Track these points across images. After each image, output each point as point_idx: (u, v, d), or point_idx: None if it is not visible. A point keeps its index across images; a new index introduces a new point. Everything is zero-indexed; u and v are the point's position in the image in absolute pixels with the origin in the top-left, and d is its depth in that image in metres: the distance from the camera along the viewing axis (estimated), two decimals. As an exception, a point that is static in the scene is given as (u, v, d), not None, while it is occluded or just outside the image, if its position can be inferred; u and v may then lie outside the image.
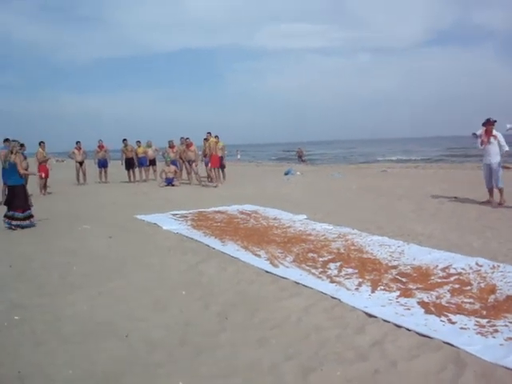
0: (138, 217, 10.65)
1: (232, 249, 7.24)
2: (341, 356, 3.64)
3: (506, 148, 10.63)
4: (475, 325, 4.08)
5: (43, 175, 16.59)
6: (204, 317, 4.61)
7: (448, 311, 4.40)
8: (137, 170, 21.49)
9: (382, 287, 5.18)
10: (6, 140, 12.95)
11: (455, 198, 11.93)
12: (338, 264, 6.14)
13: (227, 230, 8.69)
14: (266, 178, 22.20)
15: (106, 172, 21.46)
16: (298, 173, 23.36)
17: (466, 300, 4.67)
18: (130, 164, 21.29)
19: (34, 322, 4.57)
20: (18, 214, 9.66)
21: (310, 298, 4.97)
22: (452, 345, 3.70)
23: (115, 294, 5.35)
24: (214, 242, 7.75)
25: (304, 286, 5.36)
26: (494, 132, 10.61)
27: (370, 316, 4.41)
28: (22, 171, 9.92)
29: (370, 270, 5.81)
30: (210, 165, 18.51)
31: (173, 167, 19.10)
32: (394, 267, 5.91)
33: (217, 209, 11.52)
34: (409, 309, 4.52)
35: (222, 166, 19.45)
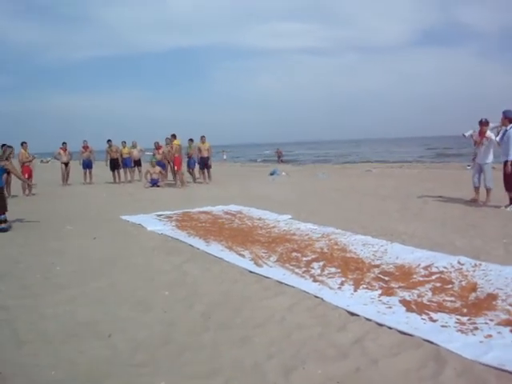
0: (123, 217, 10.62)
1: (216, 249, 7.25)
2: (322, 354, 3.67)
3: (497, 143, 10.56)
4: (456, 322, 4.12)
5: (26, 176, 16.51)
6: (188, 317, 4.61)
7: (429, 309, 4.44)
8: (122, 170, 21.43)
9: (365, 286, 5.21)
10: (3, 145, 12.91)
11: (439, 197, 12.06)
12: (322, 263, 6.17)
13: (212, 231, 8.69)
14: (252, 178, 22.26)
15: (90, 173, 21.35)
16: (284, 173, 23.46)
17: (447, 298, 4.72)
18: (114, 165, 21.22)
19: (16, 323, 4.53)
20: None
21: (293, 297, 4.99)
22: (432, 342, 3.74)
23: (99, 295, 5.33)
24: (198, 243, 7.74)
25: (287, 285, 5.38)
26: (488, 133, 10.69)
27: (352, 314, 4.44)
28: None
29: (353, 269, 5.85)
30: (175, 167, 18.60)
31: (158, 168, 19.07)
32: (377, 266, 5.96)
33: (202, 209, 11.52)
34: (390, 307, 4.55)
35: (208, 166, 19.50)
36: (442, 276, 5.44)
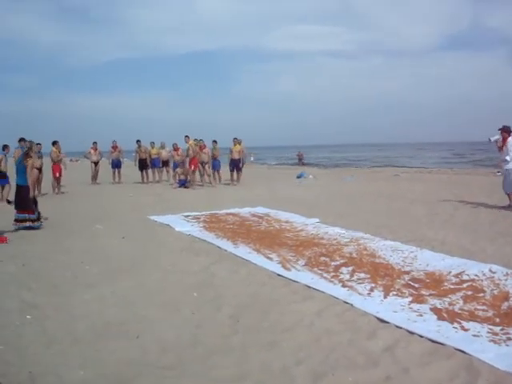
0: (151, 217, 10.70)
1: (244, 251, 7.24)
2: (352, 361, 3.63)
3: (507, 158, 10.77)
4: (488, 332, 4.04)
5: (57, 174, 16.76)
6: (215, 319, 4.61)
7: (461, 318, 4.37)
8: (150, 170, 21.62)
9: (395, 292, 5.15)
10: (22, 140, 13.04)
11: (470, 203, 11.86)
12: (351, 268, 6.11)
13: (239, 233, 8.70)
14: (279, 180, 22.23)
15: (119, 172, 21.57)
16: (311, 176, 23.35)
17: (478, 307, 4.64)
18: (143, 165, 21.43)
19: (46, 322, 4.58)
20: (29, 216, 9.57)
21: (321, 302, 4.95)
22: (464, 352, 3.67)
23: (127, 294, 5.37)
24: (225, 244, 7.75)
25: (316, 289, 5.35)
26: (509, 139, 10.72)
27: (382, 321, 4.39)
28: (29, 179, 9.72)
29: (383, 275, 5.78)
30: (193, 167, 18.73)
31: (187, 169, 19.01)
32: (407, 273, 5.88)
33: (229, 211, 11.54)
34: (421, 315, 4.49)
35: (238, 169, 19.63)
36: (474, 284, 5.34)
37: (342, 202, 13.12)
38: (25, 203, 9.55)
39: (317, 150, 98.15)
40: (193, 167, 18.55)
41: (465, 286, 5.31)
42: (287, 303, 4.98)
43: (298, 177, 23.11)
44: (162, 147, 21.48)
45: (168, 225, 9.75)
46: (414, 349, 3.80)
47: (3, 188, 14.43)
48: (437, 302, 4.80)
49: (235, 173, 19.76)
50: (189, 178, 18.74)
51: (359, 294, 5.16)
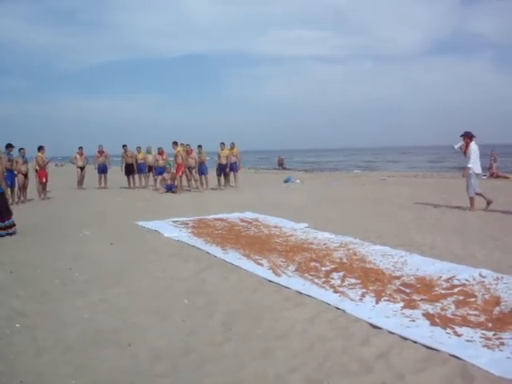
0: (139, 223, 10.61)
1: (234, 257, 7.21)
2: (346, 368, 3.61)
3: (469, 163, 11.43)
4: (481, 337, 4.04)
5: (44, 180, 16.63)
6: (208, 326, 4.56)
7: (453, 323, 4.37)
8: (136, 175, 21.49)
9: (386, 298, 5.14)
10: (9, 146, 12.94)
11: (456, 207, 11.95)
12: (341, 274, 6.10)
13: (228, 238, 8.66)
14: (266, 185, 22.23)
15: (105, 178, 21.43)
16: (298, 180, 23.40)
17: (470, 312, 4.64)
18: (129, 170, 21.29)
19: (36, 330, 4.51)
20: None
21: (313, 308, 4.93)
22: (459, 358, 3.67)
23: (117, 301, 5.31)
24: (215, 250, 7.71)
25: (307, 295, 5.33)
26: (471, 144, 11.40)
27: (375, 327, 4.38)
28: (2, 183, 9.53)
29: (374, 281, 5.78)
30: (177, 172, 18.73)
31: (173, 174, 18.94)
32: (398, 278, 5.88)
33: (217, 216, 11.49)
34: (414, 320, 4.48)
35: (226, 174, 19.78)
36: (465, 289, 5.35)
37: (329, 207, 13.13)
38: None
39: (303, 154, 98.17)
40: (180, 172, 18.49)
41: (456, 290, 5.32)
42: (279, 310, 4.94)
43: (286, 181, 23.12)
44: (149, 152, 21.37)
45: (156, 230, 9.67)
46: (408, 355, 3.79)
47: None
48: (429, 307, 4.80)
49: (222, 177, 19.78)
50: (176, 182, 18.67)
51: (351, 299, 5.15)
